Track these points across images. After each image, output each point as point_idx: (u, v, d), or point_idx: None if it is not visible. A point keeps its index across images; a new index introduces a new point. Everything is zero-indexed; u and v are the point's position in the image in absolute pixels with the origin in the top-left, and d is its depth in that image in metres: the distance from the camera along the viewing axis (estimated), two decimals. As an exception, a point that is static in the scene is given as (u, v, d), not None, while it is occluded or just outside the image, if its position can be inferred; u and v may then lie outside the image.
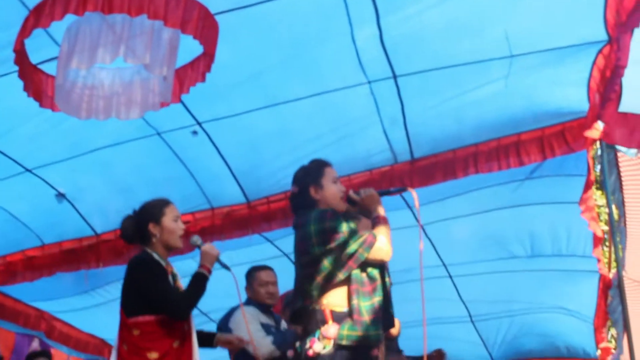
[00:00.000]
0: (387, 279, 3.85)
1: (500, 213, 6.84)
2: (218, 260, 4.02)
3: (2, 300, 7.67)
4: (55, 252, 6.66)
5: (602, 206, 11.53)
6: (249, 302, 5.09)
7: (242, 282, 5.26)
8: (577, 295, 7.98)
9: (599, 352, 8.68)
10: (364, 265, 3.70)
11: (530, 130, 5.56)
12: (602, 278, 7.19)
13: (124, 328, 3.80)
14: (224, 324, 5.04)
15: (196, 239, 4.13)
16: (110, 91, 3.82)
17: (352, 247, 3.62)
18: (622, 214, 5.96)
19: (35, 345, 8.24)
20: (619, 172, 5.73)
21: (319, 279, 3.62)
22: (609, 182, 5.69)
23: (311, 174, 3.93)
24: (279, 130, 5.65)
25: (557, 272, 7.65)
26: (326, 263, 3.62)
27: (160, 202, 4.05)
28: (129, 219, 4.04)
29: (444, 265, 7.82)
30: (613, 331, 7.53)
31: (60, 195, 6.13)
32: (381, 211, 3.89)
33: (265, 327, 4.85)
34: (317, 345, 3.51)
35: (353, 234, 3.67)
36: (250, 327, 4.76)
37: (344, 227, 3.66)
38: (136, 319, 3.77)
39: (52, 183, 6.00)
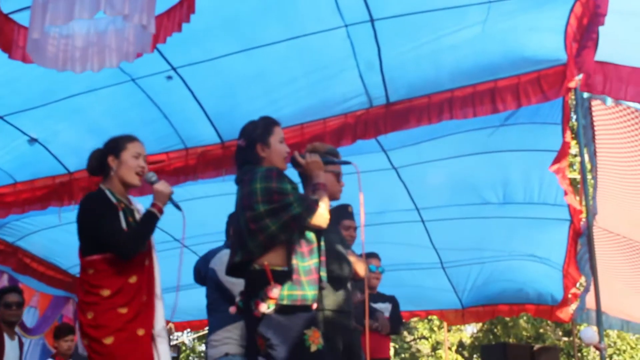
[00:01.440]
0: (322, 243, 3.86)
1: (474, 158, 6.89)
2: (170, 199, 3.95)
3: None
4: (27, 189, 6.63)
5: (575, 155, 11.64)
6: (227, 245, 5.09)
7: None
8: (547, 243, 8.11)
9: (567, 298, 8.84)
10: (303, 228, 3.73)
11: (506, 77, 5.54)
12: (573, 225, 7.28)
13: (81, 269, 3.79)
14: (204, 265, 5.04)
15: (150, 175, 4.03)
16: (86, 42, 3.78)
17: (297, 209, 3.61)
18: (594, 164, 6.01)
19: (4, 280, 8.24)
20: (592, 122, 5.76)
21: (262, 237, 3.60)
22: (582, 131, 5.72)
23: (260, 130, 3.90)
24: (254, 73, 5.62)
25: (528, 219, 7.75)
26: (269, 222, 3.60)
27: (125, 137, 3.99)
28: (95, 151, 3.98)
29: (417, 209, 7.88)
30: (582, 279, 7.64)
31: (33, 140, 6.10)
32: (321, 178, 3.89)
33: None
34: (263, 306, 3.53)
35: (297, 196, 3.67)
36: None
37: (289, 189, 3.66)
38: (90, 257, 3.73)
39: (25, 129, 5.99)
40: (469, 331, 23.36)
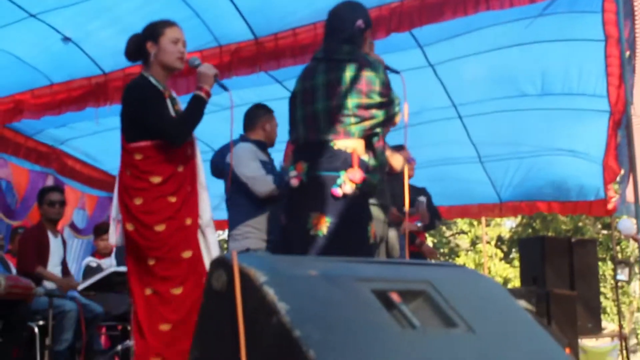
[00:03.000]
0: None
1: (512, 50, 6.73)
2: (216, 80, 3.92)
3: (13, 137, 7.78)
4: (63, 89, 6.65)
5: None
6: (244, 139, 5.07)
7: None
8: (586, 136, 8.01)
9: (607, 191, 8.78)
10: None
11: (545, -36, 5.39)
12: (612, 117, 7.16)
13: (126, 153, 3.76)
14: (221, 158, 5.05)
15: (194, 59, 4.01)
16: None
17: (397, 108, 3.75)
18: (632, 51, 5.85)
19: (49, 182, 8.38)
20: (632, 8, 5.58)
21: (367, 124, 3.66)
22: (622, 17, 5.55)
23: (370, 19, 3.95)
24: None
25: (566, 110, 7.62)
26: (379, 113, 3.69)
27: (162, 22, 3.93)
28: (132, 36, 3.94)
29: (454, 105, 7.78)
30: (622, 172, 7.56)
31: (67, 39, 6.06)
32: None
33: (264, 165, 4.85)
34: (347, 186, 3.55)
35: (395, 94, 3.78)
36: (252, 164, 4.78)
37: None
38: (137, 143, 3.72)
39: (58, 28, 5.92)
40: (507, 225, 23.45)
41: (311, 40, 5.93)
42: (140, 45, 3.88)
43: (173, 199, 3.71)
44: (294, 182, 3.70)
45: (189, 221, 3.76)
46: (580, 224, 21.21)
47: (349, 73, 3.72)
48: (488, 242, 21.79)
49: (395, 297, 1.71)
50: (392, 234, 4.57)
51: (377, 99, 3.67)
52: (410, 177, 6.39)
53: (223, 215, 5.82)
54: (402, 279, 1.80)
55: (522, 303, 6.32)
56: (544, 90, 7.35)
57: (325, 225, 3.57)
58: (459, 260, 22.59)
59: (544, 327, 5.66)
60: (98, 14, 5.81)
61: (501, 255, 22.53)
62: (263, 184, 4.70)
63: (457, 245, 24.44)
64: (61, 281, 6.05)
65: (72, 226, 9.06)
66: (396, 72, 4.05)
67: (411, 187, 6.60)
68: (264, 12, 5.92)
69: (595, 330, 8.72)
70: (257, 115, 5.17)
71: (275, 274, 1.60)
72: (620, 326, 9.31)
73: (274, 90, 6.89)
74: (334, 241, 3.55)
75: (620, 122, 6.90)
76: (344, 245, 3.53)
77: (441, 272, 1.96)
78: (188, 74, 5.76)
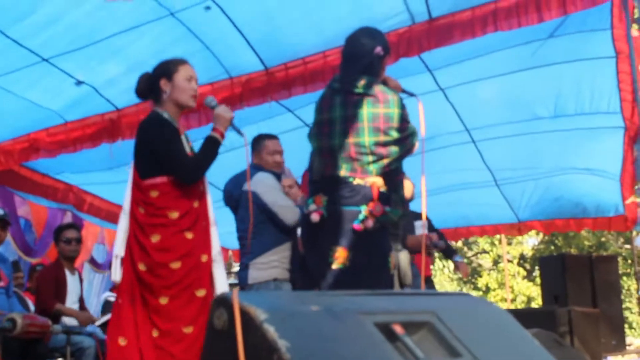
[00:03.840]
0: None
1: (523, 74, 6.78)
2: (232, 124, 3.93)
3: (30, 176, 7.84)
4: (77, 127, 6.71)
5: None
6: (257, 168, 5.08)
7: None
8: (602, 154, 8.00)
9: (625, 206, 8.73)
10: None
11: (551, -15, 5.40)
12: (627, 132, 7.14)
13: (139, 190, 3.75)
14: (235, 187, 5.04)
15: (210, 99, 4.03)
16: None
17: (415, 138, 3.75)
18: None
19: (67, 218, 8.44)
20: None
21: (385, 161, 3.66)
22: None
23: (388, 46, 3.94)
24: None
25: (581, 130, 7.61)
26: (396, 149, 3.68)
27: (176, 60, 3.95)
28: (144, 75, 3.95)
29: (467, 130, 7.79)
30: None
31: (80, 83, 6.12)
32: None
33: None
34: (369, 221, 3.56)
35: (413, 126, 3.78)
36: (279, 194, 4.79)
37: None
38: (153, 180, 3.71)
39: (70, 72, 5.98)
40: (530, 243, 23.31)
41: (321, 67, 5.98)
42: (153, 83, 3.90)
43: (190, 235, 3.70)
44: (315, 217, 3.69)
45: (204, 258, 3.76)
46: (602, 239, 21.05)
47: (366, 110, 3.69)
48: (510, 261, 21.67)
49: (398, 329, 1.71)
50: (404, 260, 4.56)
51: (394, 135, 3.66)
52: (410, 200, 6.38)
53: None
54: (406, 311, 1.80)
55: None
56: (557, 112, 7.37)
57: (347, 259, 3.58)
58: (482, 280, 22.47)
59: (562, 350, 5.62)
60: (109, 55, 5.86)
61: (524, 273, 22.37)
62: (293, 213, 4.72)
63: (480, 265, 24.30)
64: (80, 315, 6.08)
65: (92, 261, 9.11)
66: (412, 94, 4.06)
67: (411, 213, 6.58)
68: (273, 43, 5.96)
69: (620, 347, 8.62)
70: (256, 144, 5.21)
71: (276, 311, 1.60)
72: (646, 342, 9.20)
73: (286, 120, 6.94)
74: (356, 274, 3.56)
75: (636, 136, 6.88)
76: (367, 277, 3.55)
77: (446, 301, 1.96)
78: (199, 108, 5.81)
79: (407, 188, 4.58)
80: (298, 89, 6.13)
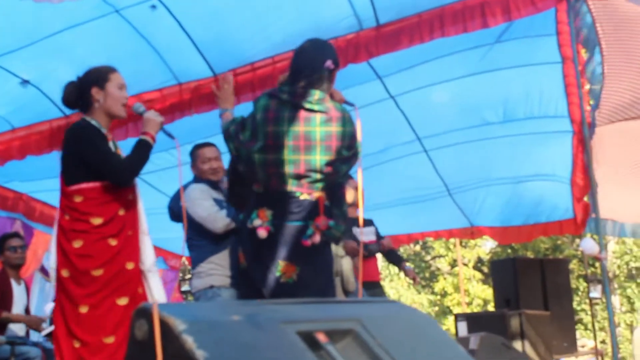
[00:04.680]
0: None
1: (472, 79, 6.84)
2: (162, 128, 3.92)
3: (-22, 185, 7.72)
4: (25, 134, 6.61)
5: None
6: (196, 180, 5.07)
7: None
8: (552, 158, 8.05)
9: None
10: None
11: (497, -10, 5.45)
12: (576, 135, 7.22)
13: (65, 197, 3.71)
14: (175, 203, 5.04)
15: (138, 106, 4.00)
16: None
17: (359, 154, 3.76)
18: (600, 56, 5.88)
19: (17, 226, 8.32)
20: (593, 18, 5.62)
21: (332, 179, 3.67)
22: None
23: (337, 57, 3.90)
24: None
25: (530, 135, 7.67)
26: (344, 167, 3.71)
27: (105, 68, 3.90)
28: (71, 83, 3.89)
29: (419, 139, 7.83)
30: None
31: (25, 82, 6.03)
32: None
33: (218, 202, 4.86)
34: (317, 236, 3.55)
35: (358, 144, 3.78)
36: (205, 203, 4.78)
37: None
38: (78, 186, 3.66)
39: (14, 71, 5.89)
40: (487, 247, 23.51)
41: (270, 73, 5.96)
42: (82, 92, 3.84)
43: (114, 242, 3.66)
44: (262, 234, 3.61)
45: (130, 265, 3.72)
46: (558, 242, 21.30)
47: (319, 128, 3.64)
48: (465, 265, 21.82)
49: (321, 337, 1.70)
50: (347, 266, 4.57)
51: (344, 154, 3.66)
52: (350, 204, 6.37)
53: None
54: (330, 319, 1.79)
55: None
56: (506, 116, 7.42)
57: (295, 273, 3.58)
58: (439, 285, 22.62)
59: (509, 352, 5.67)
60: (54, 54, 5.76)
61: (480, 277, 22.54)
62: (216, 221, 4.72)
63: (438, 269, 24.46)
64: (29, 320, 6.02)
65: (43, 270, 8.98)
66: (351, 104, 4.00)
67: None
68: (222, 48, 5.93)
69: (571, 348, 8.71)
70: (191, 154, 5.19)
71: (195, 321, 1.59)
72: (596, 343, 9.33)
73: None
74: (303, 288, 3.56)
75: (584, 139, 6.96)
76: (314, 291, 3.55)
77: (373, 309, 1.96)
78: (128, 121, 5.80)
79: (350, 194, 4.59)
80: (247, 95, 6.10)
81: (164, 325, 1.58)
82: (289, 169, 3.62)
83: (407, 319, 1.91)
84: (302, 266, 3.58)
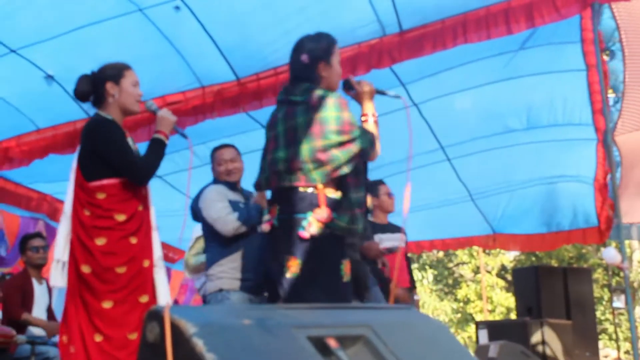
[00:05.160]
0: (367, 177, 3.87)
1: (495, 86, 6.81)
2: (175, 127, 3.96)
3: (3, 185, 7.78)
4: (49, 135, 6.67)
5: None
6: (215, 181, 5.08)
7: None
8: (576, 163, 8.00)
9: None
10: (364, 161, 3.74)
11: (521, -3, 5.43)
12: (600, 143, 7.18)
13: (84, 193, 3.70)
14: (196, 203, 5.06)
15: (151, 103, 4.04)
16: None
17: (363, 142, 3.62)
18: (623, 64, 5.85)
19: (40, 227, 8.38)
20: (617, 25, 5.59)
21: (329, 168, 3.59)
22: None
23: (325, 48, 3.80)
24: (263, 1, 5.52)
25: (554, 142, 7.63)
26: (338, 153, 3.58)
27: (121, 64, 3.94)
28: (85, 76, 3.91)
29: (442, 147, 7.80)
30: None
31: (49, 77, 6.06)
32: (373, 108, 3.83)
33: (233, 204, 4.85)
34: (313, 227, 3.52)
35: (362, 129, 3.68)
36: (218, 205, 4.79)
37: (355, 120, 3.67)
38: (100, 182, 3.67)
39: (39, 64, 5.92)
40: (511, 255, 23.36)
41: (292, 79, 5.97)
42: (97, 86, 3.86)
43: (134, 240, 3.69)
44: (265, 227, 3.68)
45: (146, 263, 3.75)
46: (583, 250, 21.12)
47: (301, 118, 3.66)
48: (489, 272, 21.70)
49: (332, 342, 1.70)
50: (363, 271, 4.55)
51: (334, 138, 3.57)
52: (389, 212, 6.36)
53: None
54: (341, 324, 1.79)
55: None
56: (530, 123, 7.38)
57: (298, 267, 3.55)
58: (461, 292, 22.50)
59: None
60: (78, 50, 5.73)
61: (503, 284, 22.42)
62: (226, 223, 4.70)
63: (461, 276, 24.36)
64: (48, 325, 6.03)
65: (65, 270, 9.04)
66: (397, 96, 4.05)
67: (390, 225, 6.55)
68: (245, 52, 5.96)
69: (594, 358, 8.64)
70: (211, 156, 5.21)
71: (206, 324, 1.59)
72: (619, 353, 9.24)
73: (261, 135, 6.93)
74: (306, 282, 3.52)
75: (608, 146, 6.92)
76: (317, 285, 3.50)
77: (384, 315, 1.95)
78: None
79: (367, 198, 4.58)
80: (270, 99, 6.12)
81: (175, 328, 1.59)
82: (284, 165, 3.65)
83: (419, 325, 1.91)
84: (304, 259, 3.55)
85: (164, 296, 3.78)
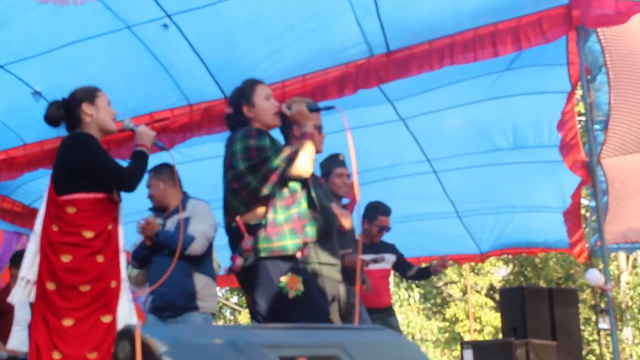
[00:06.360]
0: (312, 194, 3.89)
1: (483, 105, 6.82)
2: (155, 141, 4.03)
3: (-12, 198, 7.78)
4: (37, 151, 6.67)
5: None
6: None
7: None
8: (560, 188, 8.01)
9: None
10: (285, 180, 3.73)
11: (507, 20, 5.45)
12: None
13: (55, 207, 3.69)
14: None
15: (128, 122, 4.07)
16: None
17: (275, 162, 3.66)
18: (608, 86, 5.87)
19: (24, 241, 8.36)
20: (602, 48, 5.62)
21: (244, 194, 3.67)
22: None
23: (243, 93, 3.97)
24: (251, 20, 5.54)
25: (540, 163, 7.64)
26: (250, 178, 3.65)
27: (91, 87, 3.99)
28: (55, 102, 3.92)
29: (428, 160, 7.83)
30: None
31: (37, 94, 6.07)
32: (309, 127, 3.88)
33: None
34: (239, 260, 3.59)
35: (275, 149, 3.72)
36: (209, 222, 4.84)
37: (268, 144, 3.71)
38: (71, 195, 3.67)
39: (26, 80, 5.94)
40: (500, 275, 23.37)
41: (280, 98, 5.98)
42: (71, 109, 3.89)
43: (100, 259, 3.67)
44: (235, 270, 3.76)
45: (113, 284, 3.73)
46: (571, 271, 21.16)
47: (223, 158, 3.83)
48: (478, 292, 21.70)
49: (303, 363, 1.71)
50: (344, 291, 4.56)
51: (242, 165, 3.65)
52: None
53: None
54: (314, 344, 1.80)
55: None
56: (516, 143, 7.40)
57: (251, 300, 3.70)
58: (449, 311, 22.47)
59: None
60: (66, 67, 5.79)
61: (492, 304, 22.40)
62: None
63: (450, 295, 24.33)
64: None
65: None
66: (331, 107, 4.06)
67: (382, 243, 6.58)
68: (233, 70, 5.96)
69: (579, 380, 8.64)
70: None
71: (177, 344, 1.60)
72: (605, 375, 9.24)
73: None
74: (259, 309, 3.62)
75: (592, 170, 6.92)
76: (268, 309, 3.59)
77: (358, 335, 1.96)
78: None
79: (347, 220, 4.61)
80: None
81: (146, 347, 1.60)
82: (223, 211, 3.81)
83: (391, 345, 1.92)
84: (246, 291, 3.70)
85: (125, 318, 3.72)
